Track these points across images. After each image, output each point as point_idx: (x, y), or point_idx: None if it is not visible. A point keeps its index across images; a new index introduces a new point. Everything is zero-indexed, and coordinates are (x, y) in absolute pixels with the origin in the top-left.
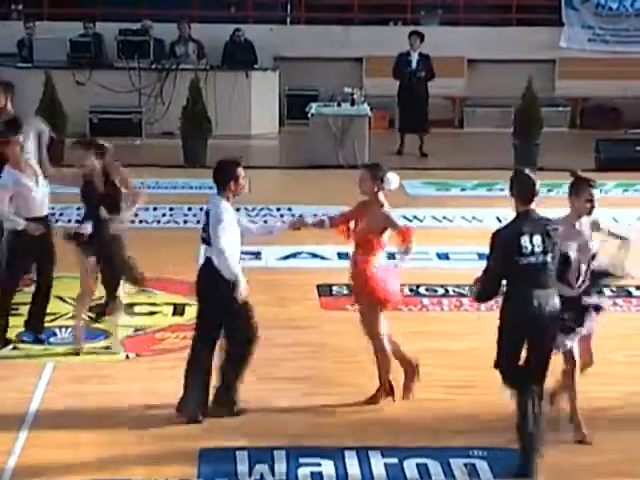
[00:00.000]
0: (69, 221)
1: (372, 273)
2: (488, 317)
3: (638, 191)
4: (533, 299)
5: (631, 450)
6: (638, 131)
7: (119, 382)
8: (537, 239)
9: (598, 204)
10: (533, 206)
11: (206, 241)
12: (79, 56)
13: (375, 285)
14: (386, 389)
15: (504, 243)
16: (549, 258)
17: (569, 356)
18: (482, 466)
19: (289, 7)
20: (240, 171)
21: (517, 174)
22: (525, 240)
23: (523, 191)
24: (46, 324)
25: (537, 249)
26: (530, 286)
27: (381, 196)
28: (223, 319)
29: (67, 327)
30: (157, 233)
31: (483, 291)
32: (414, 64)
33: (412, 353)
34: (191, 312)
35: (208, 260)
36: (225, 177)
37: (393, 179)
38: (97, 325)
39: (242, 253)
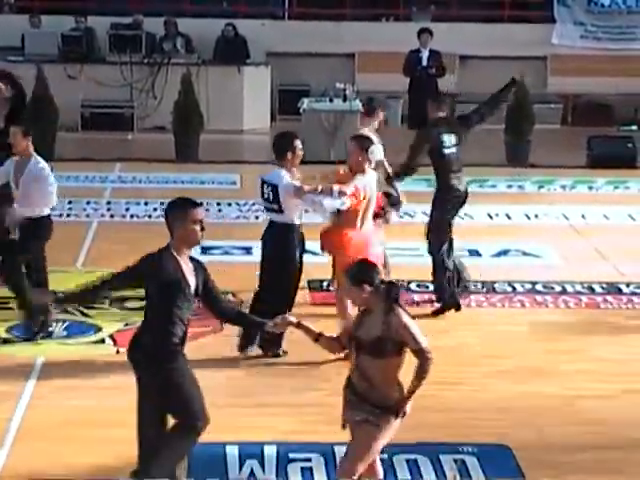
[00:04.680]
0: (60, 215)
1: (351, 238)
2: (478, 313)
3: (629, 188)
4: None
5: (625, 448)
6: (629, 128)
7: (110, 377)
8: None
9: (589, 201)
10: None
11: (274, 211)
12: (71, 50)
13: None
14: None
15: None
16: None
17: None
18: (472, 462)
19: (282, 2)
20: (298, 142)
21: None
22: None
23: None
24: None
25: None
26: None
27: (367, 167)
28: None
29: (59, 321)
30: (148, 227)
31: None
32: (424, 61)
33: None
34: None
35: (273, 224)
36: (283, 148)
37: (376, 150)
38: (89, 320)
39: (233, 248)
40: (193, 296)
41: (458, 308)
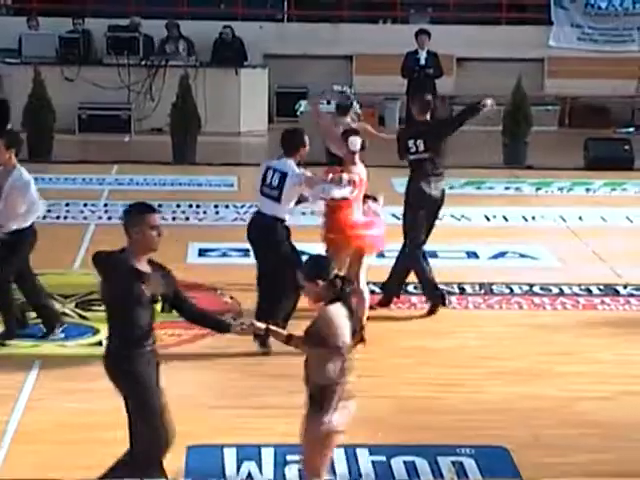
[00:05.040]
0: (57, 217)
1: (347, 219)
2: (476, 315)
3: (626, 190)
4: None
5: (622, 449)
6: (627, 130)
7: (107, 379)
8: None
9: (586, 203)
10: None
11: (272, 198)
12: (68, 52)
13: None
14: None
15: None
16: None
17: None
18: (469, 464)
19: (279, 4)
20: (307, 139)
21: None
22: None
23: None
24: (33, 321)
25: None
26: None
27: (351, 156)
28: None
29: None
30: None
31: None
32: (422, 61)
33: (400, 351)
34: None
35: (264, 215)
36: (294, 143)
37: (355, 141)
38: (86, 322)
39: (231, 250)
40: (150, 300)
41: (443, 302)
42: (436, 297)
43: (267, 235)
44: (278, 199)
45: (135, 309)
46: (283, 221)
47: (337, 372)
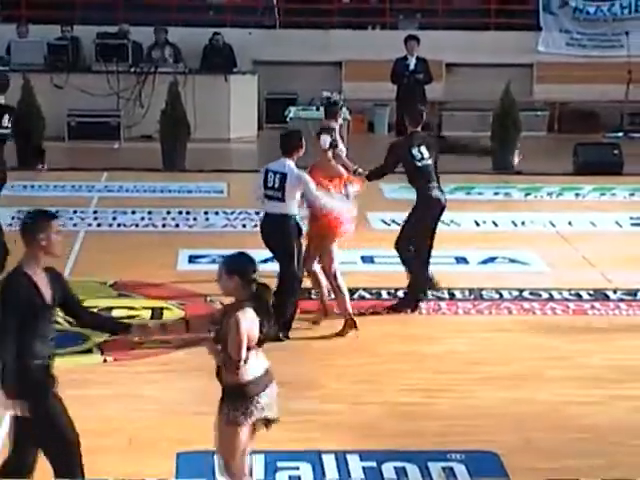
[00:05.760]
0: None
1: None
2: (466, 321)
3: (615, 195)
4: None
5: (612, 454)
6: (615, 135)
7: (96, 386)
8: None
9: (576, 208)
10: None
11: (276, 199)
12: (57, 59)
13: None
14: (349, 322)
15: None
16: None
17: None
18: (460, 469)
19: (269, 11)
20: (303, 140)
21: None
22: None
23: (416, 118)
24: None
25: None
26: None
27: (325, 155)
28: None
29: None
30: (135, 237)
31: None
32: (412, 67)
33: (391, 356)
34: (169, 316)
35: (272, 214)
36: (293, 145)
37: (325, 139)
38: (76, 329)
39: (221, 257)
40: (50, 309)
41: (425, 294)
42: (413, 301)
43: (277, 231)
44: (282, 199)
45: (36, 321)
46: (293, 217)
47: (246, 372)
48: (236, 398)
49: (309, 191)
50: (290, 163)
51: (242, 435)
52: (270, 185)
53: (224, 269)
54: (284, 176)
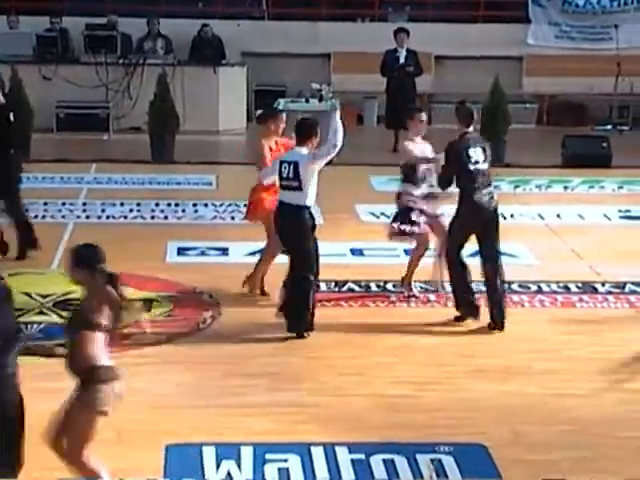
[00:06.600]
0: (35, 216)
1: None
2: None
3: (604, 188)
4: None
5: (601, 446)
6: (604, 128)
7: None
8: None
9: (564, 200)
10: (471, 129)
11: (293, 188)
12: (45, 51)
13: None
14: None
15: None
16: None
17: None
18: (448, 461)
19: (258, 3)
20: (318, 129)
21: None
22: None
23: (466, 118)
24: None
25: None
26: None
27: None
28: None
29: (34, 323)
30: (124, 228)
31: None
32: (402, 60)
33: (380, 349)
34: (159, 308)
35: (289, 204)
36: (308, 133)
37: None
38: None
39: (210, 249)
40: None
41: (476, 316)
42: (466, 311)
43: (291, 226)
44: (300, 188)
45: None
46: (308, 208)
47: (99, 353)
48: (94, 381)
49: (319, 151)
50: (303, 150)
51: (97, 417)
52: (285, 176)
53: (72, 261)
54: (296, 164)
